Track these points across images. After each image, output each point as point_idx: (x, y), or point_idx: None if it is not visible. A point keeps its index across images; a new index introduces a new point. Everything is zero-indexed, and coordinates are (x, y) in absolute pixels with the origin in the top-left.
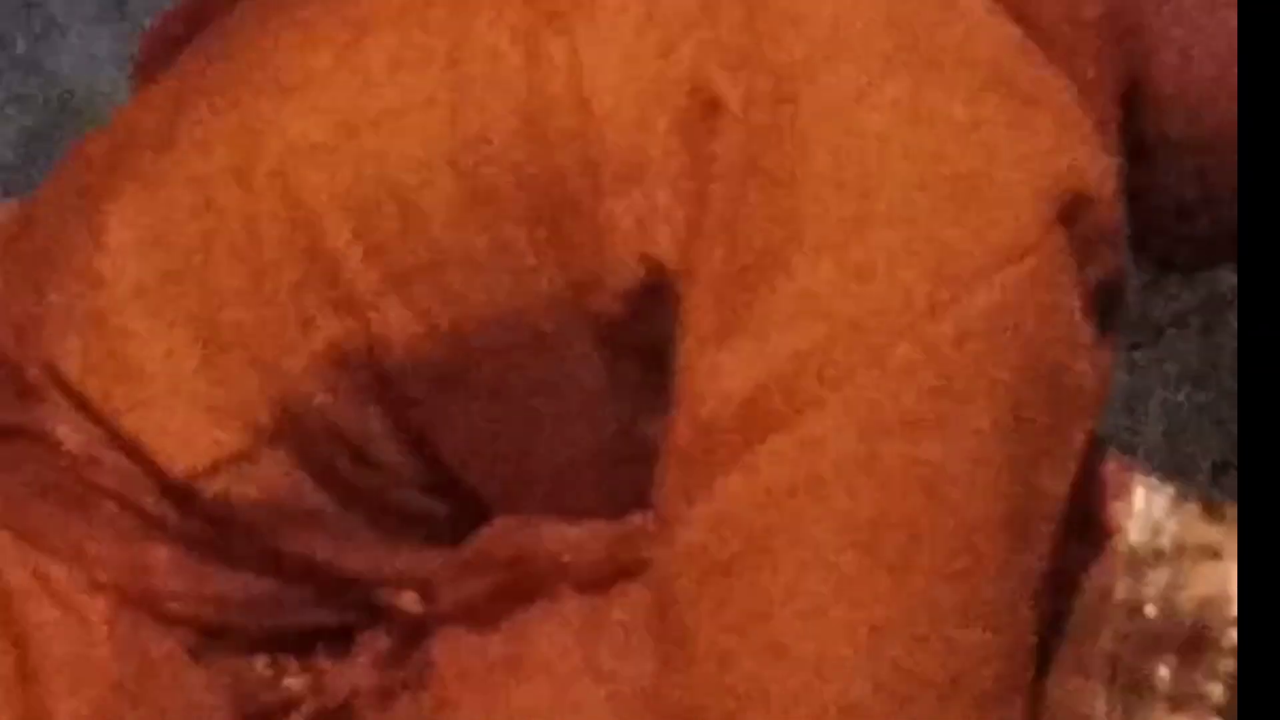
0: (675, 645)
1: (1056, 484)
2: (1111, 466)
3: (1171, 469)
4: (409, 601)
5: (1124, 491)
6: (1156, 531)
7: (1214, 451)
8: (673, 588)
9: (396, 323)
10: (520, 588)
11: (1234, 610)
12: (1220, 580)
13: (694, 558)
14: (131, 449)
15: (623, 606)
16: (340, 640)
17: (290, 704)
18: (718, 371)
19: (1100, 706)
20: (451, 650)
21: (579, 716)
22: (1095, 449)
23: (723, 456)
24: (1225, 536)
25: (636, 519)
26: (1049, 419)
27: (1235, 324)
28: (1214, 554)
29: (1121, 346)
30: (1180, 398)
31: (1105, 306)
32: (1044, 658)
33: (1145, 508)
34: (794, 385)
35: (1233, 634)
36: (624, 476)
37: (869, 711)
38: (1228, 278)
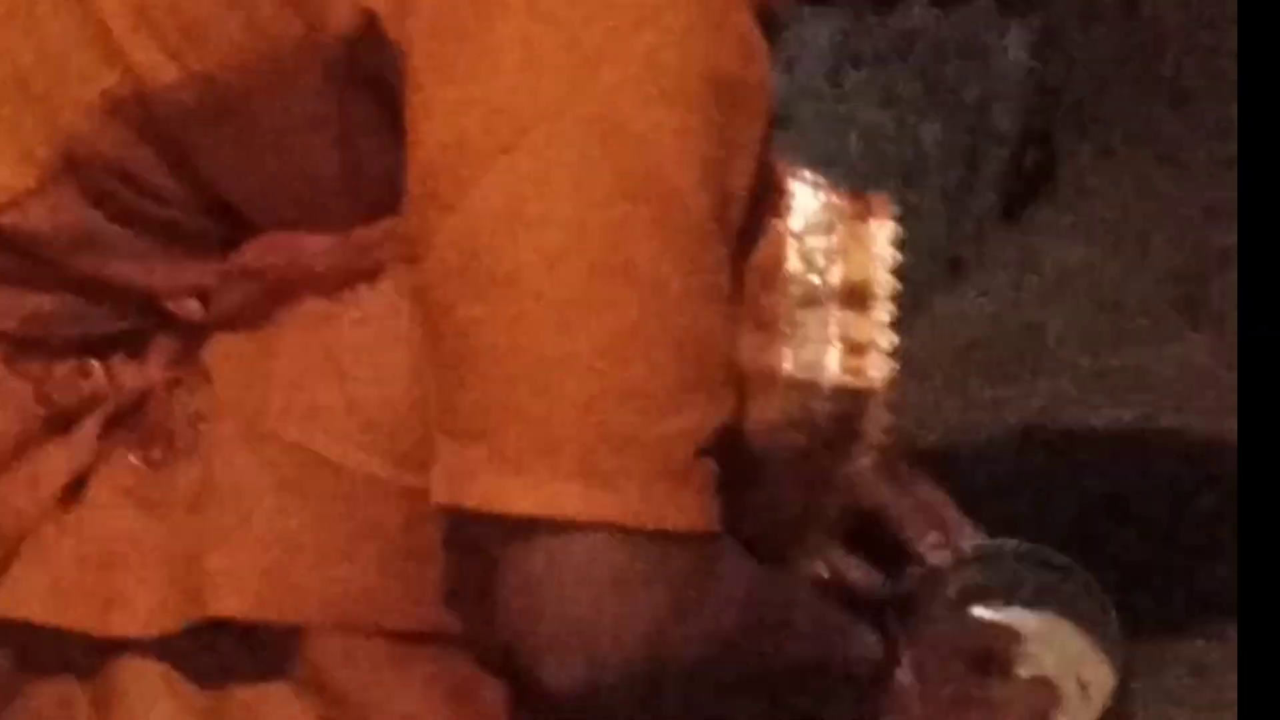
0: (444, 352)
1: (744, 178)
2: (778, 163)
3: (864, 178)
4: (190, 309)
5: (788, 182)
6: (815, 213)
7: (902, 164)
8: (436, 298)
9: (158, 72)
10: (276, 293)
11: (890, 261)
12: (872, 239)
13: (447, 268)
14: None
15: (356, 305)
16: (137, 345)
17: (93, 402)
18: (436, 114)
19: (781, 359)
20: (217, 350)
21: (315, 398)
22: (769, 148)
23: (462, 178)
24: (870, 206)
25: (375, 229)
26: (736, 121)
27: (923, 56)
28: (864, 218)
29: (829, 73)
30: (880, 119)
31: (769, 26)
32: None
33: (804, 196)
34: (513, 112)
35: (889, 281)
36: (363, 194)
37: (622, 380)
38: (918, 16)
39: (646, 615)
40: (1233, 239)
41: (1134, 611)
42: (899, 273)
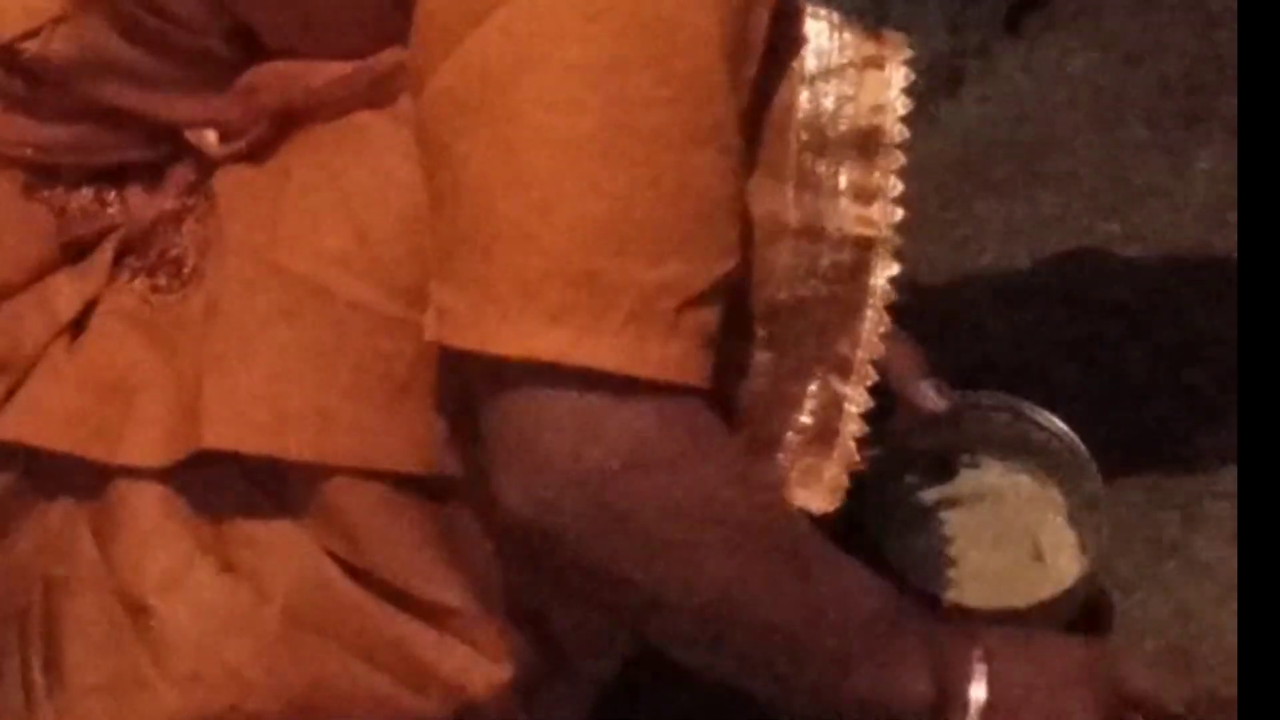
0: (439, 187)
1: (761, 18)
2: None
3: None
4: (208, 140)
5: (800, 20)
6: (826, 53)
7: None
8: (432, 131)
9: None
10: (286, 122)
11: (901, 109)
12: (885, 86)
13: (446, 102)
14: None
15: (365, 136)
16: (154, 175)
17: (108, 231)
18: None
19: (789, 207)
20: (227, 179)
21: (322, 229)
22: None
23: (470, 13)
24: (886, 49)
25: (385, 59)
26: None
27: None
28: (878, 64)
29: None
30: None
31: None
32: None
33: (820, 37)
34: None
35: (900, 129)
36: (385, 24)
37: (611, 225)
38: None
39: (595, 457)
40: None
41: (1155, 437)
42: (909, 120)
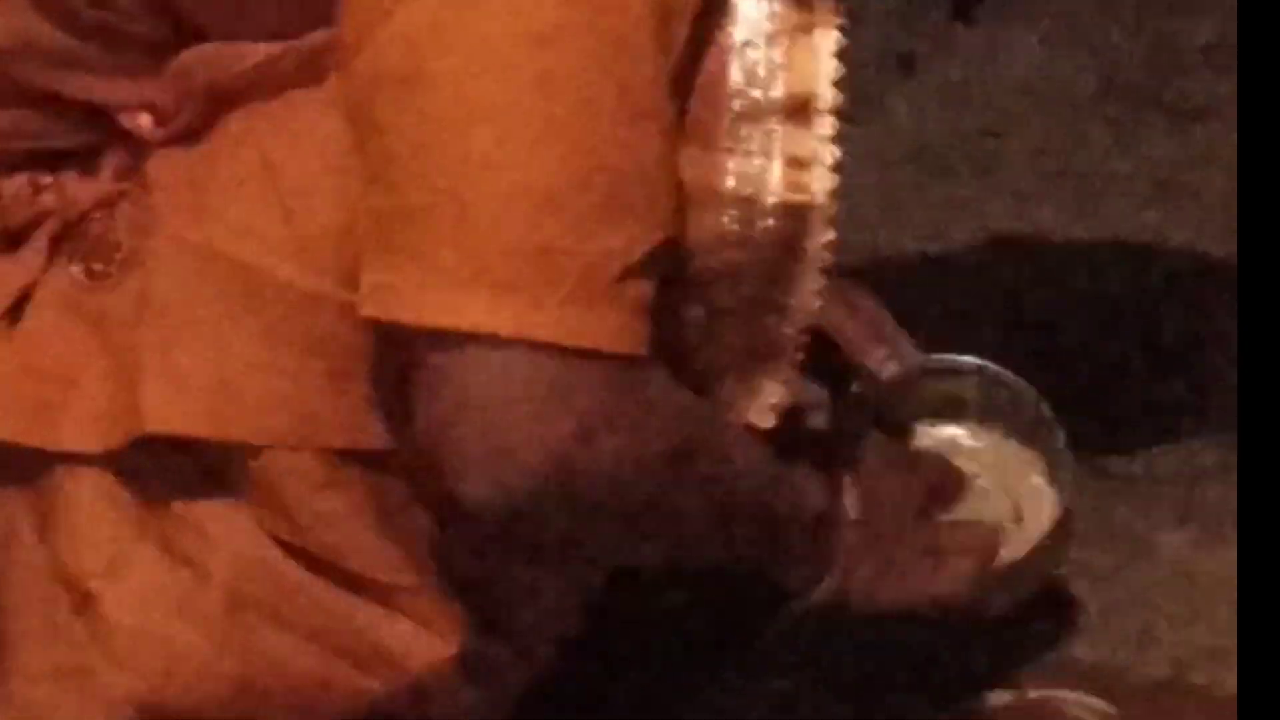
0: (372, 162)
1: None
2: None
3: None
4: (142, 124)
5: None
6: (758, 23)
7: None
8: (365, 106)
9: None
10: (217, 103)
11: (833, 74)
12: (816, 49)
13: (377, 76)
14: None
15: (293, 115)
16: (89, 160)
17: (42, 218)
18: None
19: (723, 174)
20: (160, 163)
21: (251, 210)
22: None
23: None
24: (816, 16)
25: (314, 38)
26: None
27: None
28: (807, 30)
29: None
30: None
31: None
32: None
33: (748, 5)
34: None
35: (832, 94)
36: (312, 7)
37: (550, 195)
38: None
39: (552, 434)
40: (1198, 38)
41: (1102, 421)
42: (842, 85)
